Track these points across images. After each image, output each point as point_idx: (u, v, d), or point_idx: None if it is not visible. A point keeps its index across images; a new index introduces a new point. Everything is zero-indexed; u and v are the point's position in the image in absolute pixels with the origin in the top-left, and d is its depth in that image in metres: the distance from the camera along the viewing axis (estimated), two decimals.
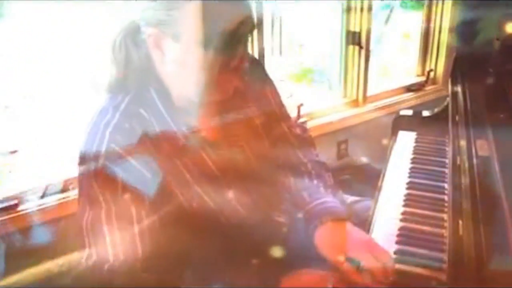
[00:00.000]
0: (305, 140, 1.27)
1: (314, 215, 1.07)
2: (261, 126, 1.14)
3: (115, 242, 0.92)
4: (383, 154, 1.56)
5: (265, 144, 1.14)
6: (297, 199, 1.12)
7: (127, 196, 0.92)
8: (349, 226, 1.05)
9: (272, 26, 2.52)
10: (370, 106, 2.49)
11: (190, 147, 1.00)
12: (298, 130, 1.26)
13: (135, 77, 0.97)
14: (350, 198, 1.35)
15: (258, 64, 1.24)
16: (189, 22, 0.91)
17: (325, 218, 1.05)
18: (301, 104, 2.16)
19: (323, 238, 1.03)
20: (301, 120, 2.19)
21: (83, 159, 0.94)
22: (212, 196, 1.02)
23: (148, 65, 0.96)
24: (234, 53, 0.93)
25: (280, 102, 1.24)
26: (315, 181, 1.16)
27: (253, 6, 0.96)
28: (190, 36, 0.91)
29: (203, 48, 0.90)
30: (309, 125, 2.24)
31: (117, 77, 0.99)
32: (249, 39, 0.99)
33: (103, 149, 0.92)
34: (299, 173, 1.18)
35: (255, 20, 0.96)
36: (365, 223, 1.17)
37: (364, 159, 2.40)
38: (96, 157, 0.92)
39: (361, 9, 2.31)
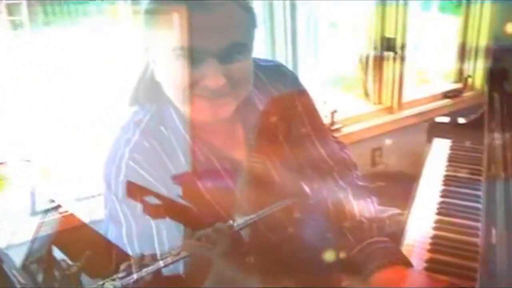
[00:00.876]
0: (343, 161, 1.18)
1: (365, 258, 0.99)
2: (288, 144, 1.07)
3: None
4: (418, 162, 1.55)
5: (293, 163, 1.07)
6: (339, 236, 1.05)
7: (146, 213, 0.92)
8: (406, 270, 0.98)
9: (308, 31, 2.52)
10: (405, 112, 2.46)
11: (209, 165, 0.98)
12: (336, 148, 1.18)
13: (155, 92, 0.97)
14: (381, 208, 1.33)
15: (286, 76, 1.14)
16: (155, 35, 0.91)
17: (380, 262, 0.96)
18: (335, 111, 2.16)
19: (381, 283, 0.95)
20: (335, 126, 2.19)
21: (105, 175, 0.96)
22: (231, 215, 0.99)
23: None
24: (202, 70, 0.88)
25: (314, 116, 1.14)
26: (359, 214, 1.08)
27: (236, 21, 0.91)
28: (156, 50, 0.92)
29: (169, 63, 0.89)
30: (343, 131, 2.23)
31: (140, 92, 1.00)
32: (238, 56, 0.90)
33: (123, 166, 0.93)
34: (338, 202, 1.10)
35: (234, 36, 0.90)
36: (396, 232, 1.16)
37: (398, 167, 2.37)
38: (117, 173, 0.94)
39: (396, 15, 2.30)
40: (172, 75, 0.90)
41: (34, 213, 1.63)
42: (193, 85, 0.88)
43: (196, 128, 0.96)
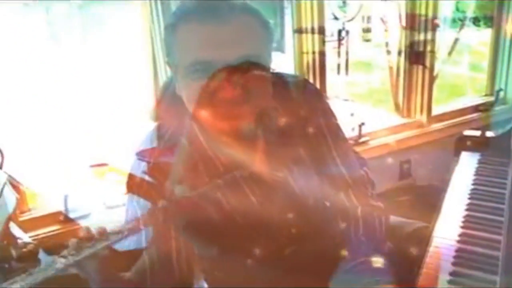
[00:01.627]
0: (361, 178, 1.17)
1: (354, 276, 1.02)
2: (309, 159, 1.07)
3: (153, 266, 0.96)
4: (446, 175, 1.54)
5: (313, 180, 1.07)
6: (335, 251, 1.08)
7: (164, 221, 0.93)
8: None
9: (338, 45, 2.54)
10: (434, 126, 2.45)
11: (228, 178, 0.99)
12: (356, 165, 1.17)
13: (176, 107, 0.99)
14: (407, 221, 1.33)
15: (310, 92, 1.14)
16: (173, 49, 0.94)
17: (367, 282, 1.00)
18: (363, 123, 2.16)
19: None
20: (363, 139, 2.19)
21: (128, 183, 1.00)
22: (251, 227, 1.01)
23: None
24: (218, 81, 0.89)
25: (336, 133, 1.14)
26: (360, 233, 1.10)
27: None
28: (175, 63, 0.95)
29: (187, 76, 0.91)
30: (371, 144, 2.24)
31: (162, 107, 1.04)
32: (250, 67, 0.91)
33: (145, 176, 0.97)
34: (347, 219, 1.10)
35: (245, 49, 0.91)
36: (421, 245, 1.17)
37: (426, 180, 2.36)
38: (139, 182, 0.97)
39: (425, 29, 2.30)
40: (190, 88, 0.92)
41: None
42: (210, 97, 0.90)
43: (217, 142, 0.98)
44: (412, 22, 2.33)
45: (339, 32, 2.47)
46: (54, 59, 2.41)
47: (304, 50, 2.00)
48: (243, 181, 1.00)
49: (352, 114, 2.16)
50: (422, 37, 2.31)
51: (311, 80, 1.99)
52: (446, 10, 3.00)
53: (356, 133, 2.17)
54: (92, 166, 1.80)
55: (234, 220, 0.99)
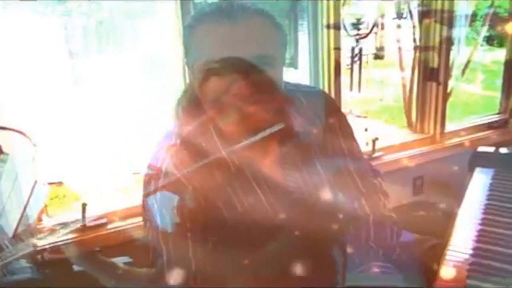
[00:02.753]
0: (374, 188, 1.20)
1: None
2: (322, 167, 1.09)
3: (171, 261, 0.97)
4: (460, 191, 1.55)
5: (325, 186, 1.08)
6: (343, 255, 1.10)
7: (181, 216, 0.97)
8: None
9: (352, 62, 2.58)
10: (447, 142, 2.46)
11: (242, 179, 1.02)
12: (369, 175, 1.19)
13: (195, 107, 1.02)
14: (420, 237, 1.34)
15: (327, 102, 1.16)
16: (190, 49, 0.98)
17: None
18: (376, 138, 2.18)
19: None
20: (376, 154, 2.21)
21: (146, 178, 1.03)
22: (260, 227, 1.02)
23: None
24: (231, 80, 0.92)
25: (351, 143, 1.17)
26: (370, 240, 1.12)
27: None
28: (192, 64, 0.99)
29: (203, 76, 0.94)
30: (384, 159, 2.25)
31: (182, 107, 1.05)
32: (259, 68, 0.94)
33: (163, 171, 0.99)
34: (357, 226, 1.13)
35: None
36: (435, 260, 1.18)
37: (440, 195, 2.36)
38: (157, 178, 1.00)
39: (440, 46, 2.32)
40: (205, 87, 0.96)
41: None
42: (224, 95, 0.93)
43: (230, 141, 1.00)
44: (426, 40, 2.35)
45: (352, 49, 2.51)
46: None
47: (320, 66, 2.04)
48: (255, 183, 1.02)
49: (366, 129, 2.18)
50: (436, 54, 2.33)
51: None
52: (460, 28, 3.03)
53: (369, 148, 2.19)
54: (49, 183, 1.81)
55: (241, 221, 1.01)
